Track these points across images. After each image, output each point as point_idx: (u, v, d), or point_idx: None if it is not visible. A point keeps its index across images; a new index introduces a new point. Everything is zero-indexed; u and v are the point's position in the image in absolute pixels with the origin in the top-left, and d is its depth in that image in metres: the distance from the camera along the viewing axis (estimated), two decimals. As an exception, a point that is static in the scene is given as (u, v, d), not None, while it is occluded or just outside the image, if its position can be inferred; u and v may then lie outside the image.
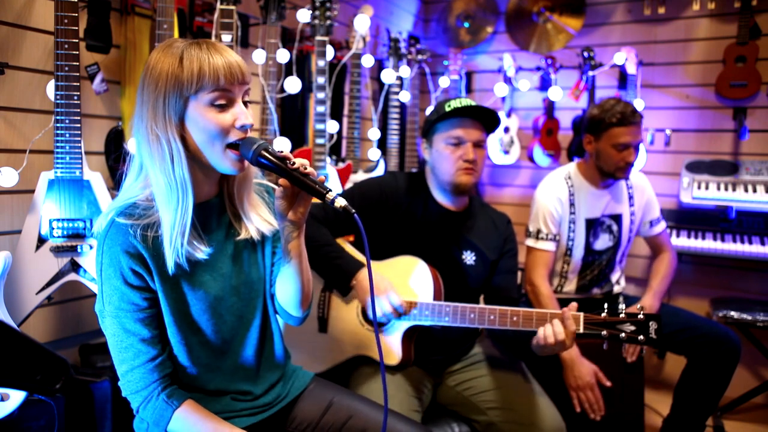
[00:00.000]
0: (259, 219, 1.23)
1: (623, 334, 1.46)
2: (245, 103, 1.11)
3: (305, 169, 1.03)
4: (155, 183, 1.09)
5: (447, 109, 1.72)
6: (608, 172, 2.20)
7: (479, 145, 1.76)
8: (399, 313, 1.65)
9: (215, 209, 1.21)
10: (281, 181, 1.07)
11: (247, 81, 1.10)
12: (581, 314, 1.50)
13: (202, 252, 1.13)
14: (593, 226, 2.29)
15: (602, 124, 2.17)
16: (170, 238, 1.08)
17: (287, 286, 1.24)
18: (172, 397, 1.14)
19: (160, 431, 1.14)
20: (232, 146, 1.08)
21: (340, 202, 1.00)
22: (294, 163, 1.03)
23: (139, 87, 1.09)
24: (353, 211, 1.00)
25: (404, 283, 1.73)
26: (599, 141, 2.19)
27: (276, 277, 1.29)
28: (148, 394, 1.13)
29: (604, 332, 1.47)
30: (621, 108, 2.14)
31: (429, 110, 3.43)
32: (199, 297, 1.17)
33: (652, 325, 1.45)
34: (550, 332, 1.48)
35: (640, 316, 1.46)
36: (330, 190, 1.02)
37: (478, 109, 1.72)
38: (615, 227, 2.32)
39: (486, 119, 1.76)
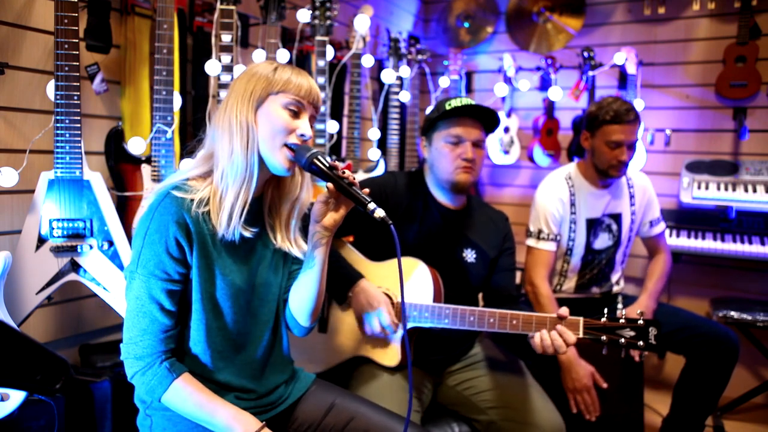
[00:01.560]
0: (287, 242, 1.31)
1: (623, 340, 1.45)
2: (311, 125, 1.25)
3: (353, 179, 1.16)
4: (228, 160, 1.18)
5: (447, 107, 1.73)
6: (602, 170, 2.20)
7: (478, 144, 1.76)
8: (386, 333, 1.66)
9: (255, 207, 1.28)
10: (328, 185, 1.18)
11: (318, 107, 1.25)
12: (581, 319, 1.50)
13: (249, 232, 1.22)
14: (593, 225, 2.29)
15: (596, 120, 2.18)
16: (229, 209, 1.17)
17: (303, 293, 1.31)
18: (173, 367, 1.19)
19: (154, 399, 1.19)
20: (289, 147, 1.20)
21: (380, 213, 1.12)
22: (344, 173, 1.15)
23: (232, 83, 1.25)
24: (390, 222, 1.11)
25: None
26: (594, 138, 2.21)
27: (292, 285, 1.36)
28: (151, 362, 1.17)
29: (604, 337, 1.47)
30: (616, 106, 2.14)
31: (429, 110, 3.44)
32: (227, 283, 1.23)
33: (652, 331, 1.45)
34: (548, 343, 1.49)
35: (640, 322, 1.46)
36: (371, 201, 1.13)
37: (479, 108, 1.72)
38: (615, 226, 2.32)
39: (486, 119, 1.77)
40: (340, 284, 1.73)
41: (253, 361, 1.31)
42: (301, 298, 1.32)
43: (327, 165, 1.16)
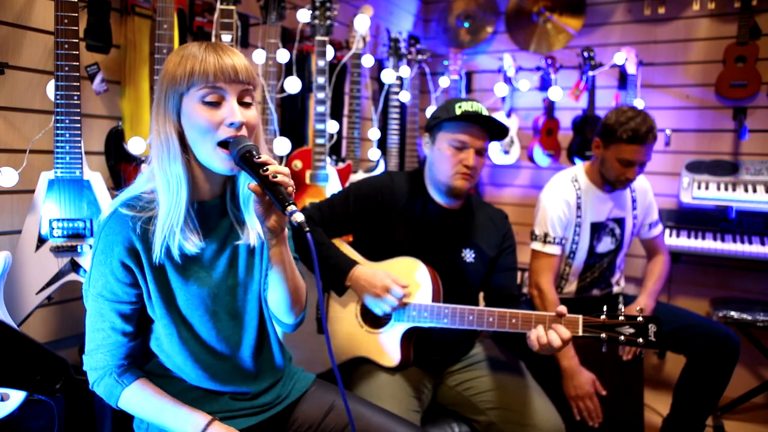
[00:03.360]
0: (255, 233, 1.23)
1: (622, 337, 1.45)
2: (245, 104, 1.12)
3: (274, 177, 1.03)
4: (156, 176, 1.13)
5: (458, 111, 1.70)
6: (608, 180, 2.20)
7: (481, 152, 1.75)
8: (404, 303, 1.66)
9: (216, 210, 1.22)
10: (250, 185, 1.08)
11: (242, 80, 1.10)
12: (580, 317, 1.50)
13: (194, 246, 1.14)
14: (598, 229, 2.28)
15: (614, 135, 2.10)
16: (162, 228, 1.11)
17: (274, 293, 1.25)
18: (123, 377, 1.18)
19: (113, 406, 1.20)
20: (222, 145, 1.09)
21: (298, 218, 1.00)
22: (267, 170, 1.03)
23: None
24: (307, 229, 1.00)
25: (404, 283, 1.73)
26: (607, 150, 2.15)
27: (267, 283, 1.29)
28: (102, 374, 1.19)
29: (603, 335, 1.47)
30: (636, 125, 2.06)
31: (430, 109, 3.45)
32: (191, 291, 1.18)
33: (651, 328, 1.45)
34: (544, 340, 1.48)
35: (640, 319, 1.46)
36: (291, 203, 1.02)
37: (490, 119, 1.70)
38: (618, 230, 2.32)
39: (494, 128, 1.74)
40: (334, 275, 1.72)
41: (243, 363, 1.27)
42: (274, 297, 1.27)
43: (251, 161, 1.04)
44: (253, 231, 1.22)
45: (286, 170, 1.06)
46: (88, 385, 1.22)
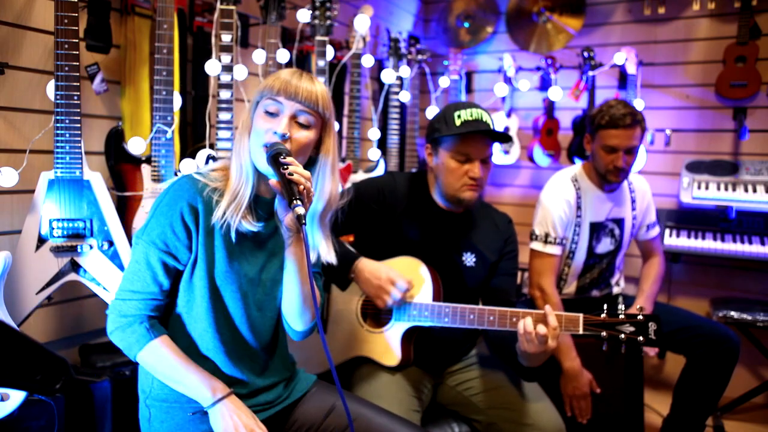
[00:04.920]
0: None
1: (623, 335, 1.46)
2: (301, 125, 1.23)
3: (290, 175, 1.13)
4: (233, 161, 1.26)
5: (458, 122, 1.67)
6: (601, 175, 2.20)
7: (486, 161, 1.73)
8: (408, 296, 1.67)
9: (267, 207, 1.30)
10: (270, 180, 1.19)
11: (302, 101, 1.22)
12: (580, 315, 1.50)
13: (252, 226, 1.25)
14: (597, 230, 2.28)
15: (595, 124, 2.17)
16: (225, 205, 1.22)
17: (287, 294, 1.31)
18: (153, 328, 1.23)
19: (132, 356, 1.23)
20: (266, 147, 1.21)
21: (299, 211, 1.11)
22: (287, 168, 1.14)
23: None
24: (304, 222, 1.10)
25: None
26: (594, 141, 2.20)
27: None
28: (132, 322, 1.22)
29: (604, 333, 1.47)
30: (614, 110, 2.11)
31: (431, 110, 3.45)
32: (233, 268, 1.26)
33: (652, 326, 1.45)
34: (530, 329, 1.46)
35: (640, 317, 1.46)
36: (298, 199, 1.12)
37: (491, 130, 1.68)
38: (617, 231, 2.31)
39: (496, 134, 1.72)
40: (337, 269, 1.70)
41: (255, 353, 1.32)
42: (287, 300, 1.32)
43: (276, 160, 1.16)
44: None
45: (306, 173, 1.16)
46: (105, 331, 1.24)
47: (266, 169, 1.21)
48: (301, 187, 1.14)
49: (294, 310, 1.31)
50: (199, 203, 1.22)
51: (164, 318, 1.29)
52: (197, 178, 1.25)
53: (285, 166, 1.14)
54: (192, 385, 1.21)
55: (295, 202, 1.11)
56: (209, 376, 1.23)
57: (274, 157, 1.16)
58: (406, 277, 1.66)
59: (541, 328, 1.45)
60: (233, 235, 1.24)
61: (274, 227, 1.32)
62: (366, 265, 1.69)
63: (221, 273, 1.25)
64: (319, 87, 1.25)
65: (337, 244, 1.75)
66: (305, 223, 1.10)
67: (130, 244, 1.71)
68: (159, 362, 1.22)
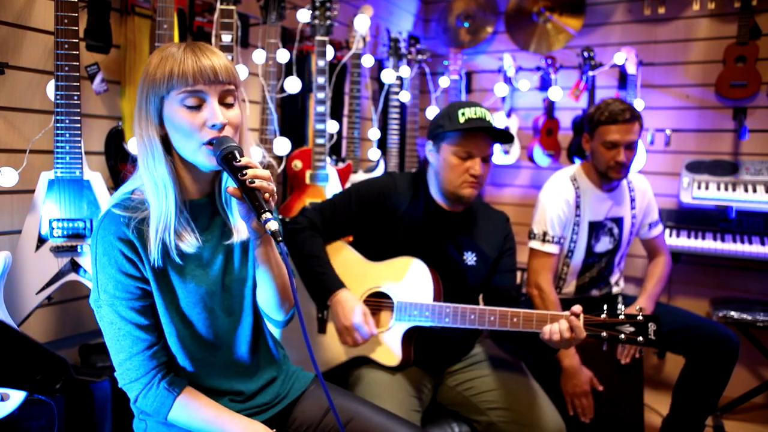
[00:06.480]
0: (242, 225, 1.23)
1: (623, 335, 1.46)
2: (227, 104, 1.12)
3: (251, 183, 1.03)
4: (143, 178, 1.14)
5: (461, 119, 1.68)
6: (602, 172, 2.20)
7: (487, 159, 1.73)
8: (363, 342, 1.66)
9: (206, 208, 1.22)
10: (229, 188, 1.09)
11: (222, 80, 1.10)
12: (581, 315, 1.50)
13: (190, 246, 1.15)
14: (596, 229, 2.28)
15: (594, 122, 2.18)
16: (155, 230, 1.11)
17: (262, 291, 1.26)
18: (172, 384, 1.16)
19: (161, 419, 1.16)
20: (210, 143, 1.09)
21: (272, 227, 1.00)
22: (245, 174, 1.04)
23: None
24: (280, 239, 1.01)
25: (403, 283, 1.73)
26: (593, 140, 2.21)
27: None
28: (148, 381, 1.15)
29: (604, 333, 1.47)
30: (613, 106, 2.14)
31: (431, 110, 3.45)
32: (189, 290, 1.18)
33: (651, 326, 1.45)
34: (556, 329, 1.48)
35: (639, 318, 1.46)
36: (267, 211, 1.02)
37: (494, 128, 1.68)
38: (616, 230, 2.31)
39: (498, 133, 1.73)
40: (319, 292, 1.73)
41: (240, 359, 1.28)
42: (261, 295, 1.27)
43: (232, 164, 1.05)
44: (242, 227, 1.22)
45: (266, 173, 1.06)
46: (130, 402, 1.18)
47: (211, 165, 1.10)
48: (267, 194, 1.04)
49: (272, 305, 1.27)
50: (133, 239, 1.11)
51: (170, 360, 1.21)
52: (118, 212, 1.12)
53: (243, 172, 1.04)
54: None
55: (265, 215, 1.01)
56: (249, 423, 1.18)
57: (227, 161, 1.05)
58: (374, 330, 1.65)
59: (566, 332, 1.46)
60: (176, 258, 1.14)
61: (219, 228, 1.22)
62: (344, 298, 1.68)
63: (184, 301, 1.18)
64: (223, 56, 1.12)
65: (325, 266, 1.74)
66: (282, 240, 1.01)
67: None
68: (191, 419, 1.16)
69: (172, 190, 1.12)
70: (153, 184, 1.12)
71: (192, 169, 1.17)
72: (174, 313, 1.18)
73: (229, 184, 1.15)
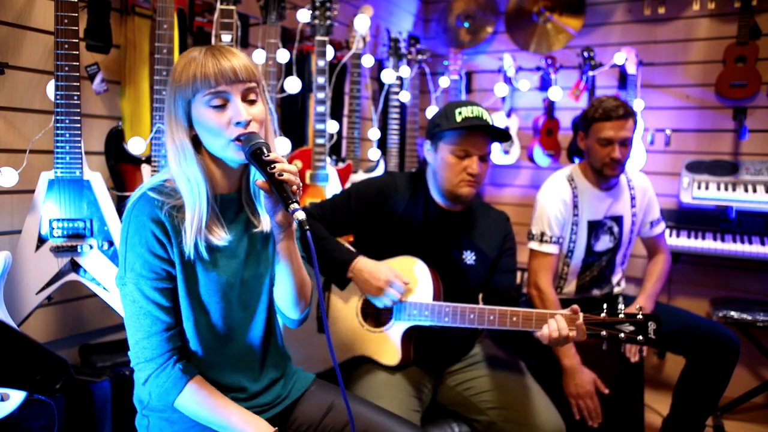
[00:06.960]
0: (266, 219, 1.27)
1: (622, 335, 1.46)
2: (250, 101, 1.17)
3: (280, 176, 1.09)
4: (176, 178, 1.19)
5: (458, 118, 1.68)
6: (598, 170, 2.20)
7: (485, 158, 1.74)
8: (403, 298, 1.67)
9: (233, 204, 1.26)
10: (257, 181, 1.15)
11: (243, 79, 1.14)
12: (580, 314, 1.50)
13: (221, 239, 1.20)
14: (595, 228, 2.28)
15: (588, 119, 2.18)
16: (191, 226, 1.16)
17: (280, 286, 1.29)
18: (186, 369, 1.19)
19: (168, 403, 1.18)
20: (239, 140, 1.15)
21: (299, 216, 1.06)
22: (274, 167, 1.09)
23: None
24: (307, 228, 1.06)
25: (404, 283, 1.73)
26: (588, 138, 2.21)
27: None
28: (163, 362, 1.17)
29: (604, 332, 1.47)
30: (606, 103, 2.14)
31: (431, 110, 3.45)
32: (211, 278, 1.21)
33: (651, 325, 1.45)
34: (554, 327, 1.48)
35: (639, 317, 1.46)
36: (295, 201, 1.08)
37: (491, 126, 1.69)
38: (616, 228, 2.31)
39: (495, 130, 1.73)
40: (336, 268, 1.72)
41: (249, 353, 1.30)
42: (280, 291, 1.30)
43: (260, 158, 1.10)
44: (266, 219, 1.27)
45: (293, 168, 1.12)
46: (139, 382, 1.20)
47: (240, 159, 1.15)
48: (294, 187, 1.10)
49: (289, 301, 1.30)
50: (165, 222, 1.15)
51: (184, 346, 1.23)
52: (153, 195, 1.16)
53: (272, 166, 1.09)
54: (238, 426, 1.18)
55: (292, 206, 1.07)
56: (251, 416, 1.20)
57: (256, 156, 1.10)
58: (404, 278, 1.66)
59: (564, 330, 1.47)
60: (204, 251, 1.18)
61: (243, 223, 1.27)
62: (365, 264, 1.69)
63: (204, 289, 1.21)
64: (243, 55, 1.17)
65: (336, 243, 1.76)
66: (308, 229, 1.06)
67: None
68: (198, 406, 1.18)
69: (204, 186, 1.17)
70: (186, 181, 1.17)
71: (222, 165, 1.21)
72: (194, 298, 1.21)
73: (257, 178, 1.19)
